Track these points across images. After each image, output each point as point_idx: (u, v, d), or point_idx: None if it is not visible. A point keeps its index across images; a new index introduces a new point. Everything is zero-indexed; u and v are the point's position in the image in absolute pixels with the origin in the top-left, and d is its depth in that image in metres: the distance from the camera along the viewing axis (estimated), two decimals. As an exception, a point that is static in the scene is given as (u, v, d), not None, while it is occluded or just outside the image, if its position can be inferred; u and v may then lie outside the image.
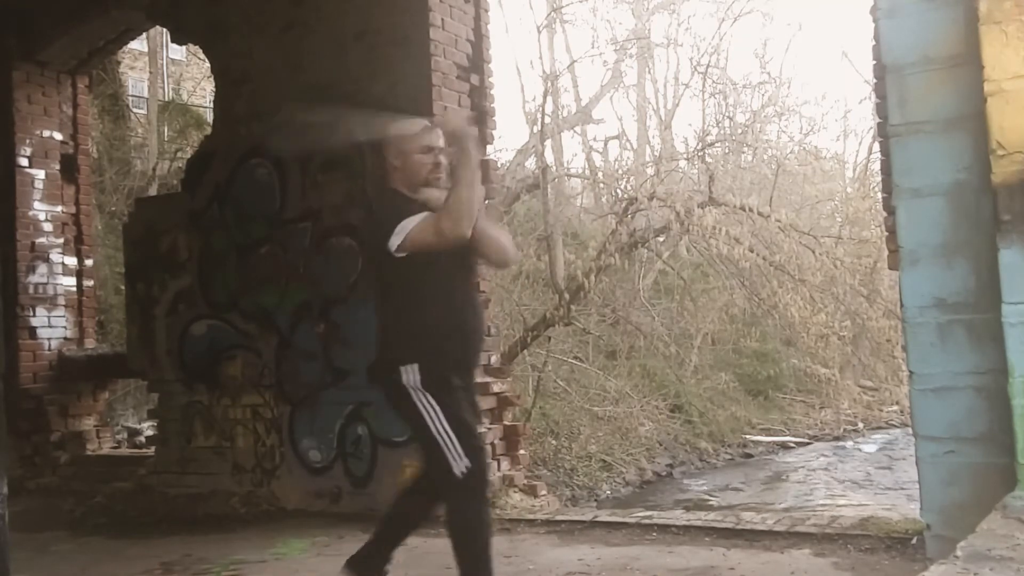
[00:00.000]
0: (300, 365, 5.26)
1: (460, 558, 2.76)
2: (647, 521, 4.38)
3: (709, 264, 11.90)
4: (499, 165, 9.63)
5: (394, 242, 2.70)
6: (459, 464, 2.69)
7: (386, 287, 2.88)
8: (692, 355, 12.52)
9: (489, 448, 4.95)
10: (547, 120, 12.38)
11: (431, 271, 2.76)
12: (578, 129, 15.88)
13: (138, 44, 13.71)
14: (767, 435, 12.08)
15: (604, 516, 4.63)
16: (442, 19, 5.01)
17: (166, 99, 16.68)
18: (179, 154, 12.75)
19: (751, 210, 9.35)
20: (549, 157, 13.60)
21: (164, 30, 7.78)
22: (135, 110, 14.80)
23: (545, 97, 11.81)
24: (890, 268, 3.10)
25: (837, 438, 12.31)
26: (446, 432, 2.71)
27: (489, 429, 4.99)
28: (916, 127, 2.05)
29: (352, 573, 3.02)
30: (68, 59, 6.68)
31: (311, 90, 5.25)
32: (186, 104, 16.21)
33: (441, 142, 2.92)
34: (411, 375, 2.74)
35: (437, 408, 2.73)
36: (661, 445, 10.45)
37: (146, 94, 16.03)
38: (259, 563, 4.05)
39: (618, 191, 12.00)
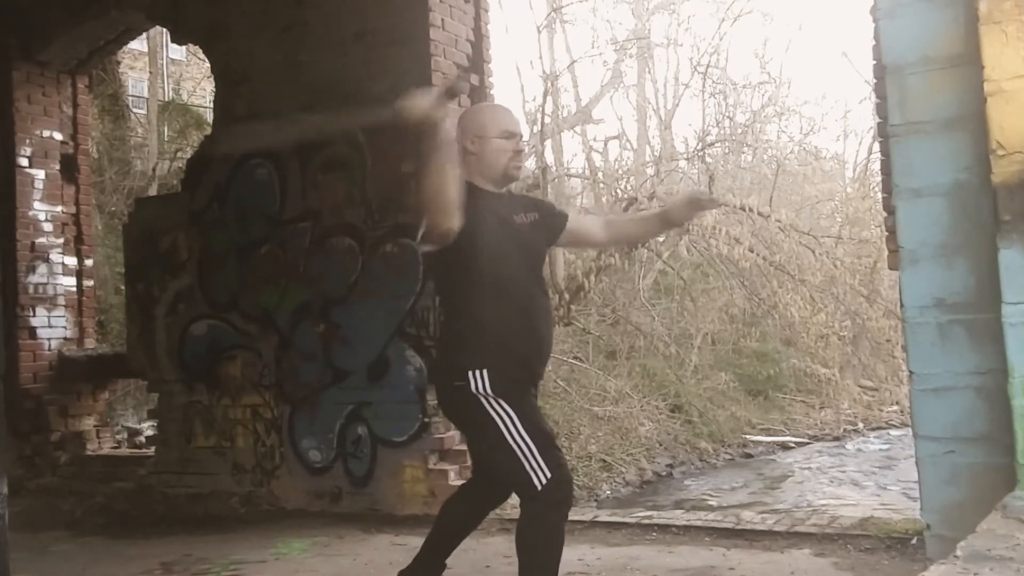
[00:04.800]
0: (300, 365, 5.26)
1: (527, 570, 2.59)
2: (647, 521, 4.39)
3: (709, 264, 11.91)
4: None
5: (419, 234, 2.52)
6: (540, 476, 2.50)
7: (437, 286, 2.77)
8: (692, 355, 12.51)
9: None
10: (547, 120, 12.39)
11: (479, 268, 2.56)
12: (578, 129, 15.88)
13: (138, 44, 13.71)
14: (767, 435, 12.07)
15: (604, 516, 4.63)
16: (442, 19, 5.01)
17: (166, 99, 16.70)
18: (179, 154, 12.76)
19: (751, 210, 9.35)
20: (549, 157, 13.62)
21: (164, 30, 7.78)
22: (135, 110, 14.81)
23: (545, 97, 11.83)
24: (890, 268, 3.09)
25: (837, 438, 12.29)
26: (524, 442, 2.51)
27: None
28: (916, 127, 2.05)
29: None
30: (68, 59, 6.68)
31: (311, 90, 5.25)
32: (186, 104, 16.22)
33: (520, 128, 2.72)
34: (481, 381, 2.53)
35: (514, 416, 2.53)
36: (661, 445, 10.44)
37: (146, 94, 16.04)
38: (259, 563, 4.05)
39: (618, 191, 12.00)
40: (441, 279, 2.72)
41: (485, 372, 2.53)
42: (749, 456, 11.29)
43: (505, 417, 2.53)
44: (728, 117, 14.32)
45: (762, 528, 4.09)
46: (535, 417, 2.60)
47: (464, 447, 4.80)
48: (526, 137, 13.42)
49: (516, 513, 4.65)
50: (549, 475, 2.51)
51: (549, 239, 2.85)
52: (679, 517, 4.54)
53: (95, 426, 6.66)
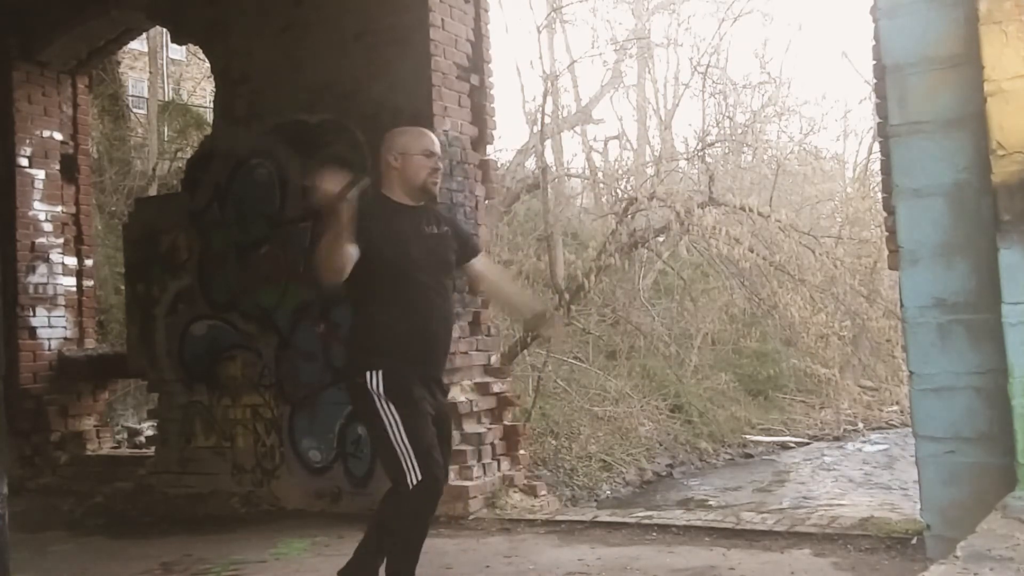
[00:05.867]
0: (300, 365, 5.26)
1: (374, 542, 2.89)
2: (647, 521, 4.39)
3: (709, 264, 11.91)
4: (499, 165, 9.64)
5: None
6: (412, 476, 2.75)
7: (345, 287, 2.95)
8: (692, 355, 12.51)
9: (489, 448, 4.96)
10: (547, 120, 12.37)
11: (382, 273, 2.87)
12: (578, 129, 15.87)
13: (138, 44, 13.70)
14: (767, 435, 12.08)
15: (604, 516, 4.63)
16: (442, 19, 5.01)
17: (166, 99, 16.68)
18: (179, 154, 12.75)
19: (751, 210, 9.34)
20: (549, 157, 13.61)
21: (164, 30, 7.78)
22: (135, 110, 14.80)
23: (545, 97, 11.80)
24: (890, 268, 3.10)
25: (837, 438, 12.30)
26: (404, 443, 2.77)
27: (489, 429, 5.00)
28: (916, 127, 2.05)
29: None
30: (68, 59, 6.68)
31: (311, 90, 5.25)
32: (186, 104, 16.20)
33: (439, 150, 3.06)
34: (375, 380, 2.81)
35: (398, 418, 2.79)
36: (661, 445, 10.44)
37: (146, 94, 16.03)
38: (259, 563, 4.05)
39: (618, 191, 12.00)
40: (349, 281, 2.91)
41: (380, 373, 2.81)
42: (749, 456, 11.29)
43: (391, 417, 2.79)
44: (728, 117, 14.31)
45: (762, 528, 4.09)
46: (418, 422, 2.83)
47: (464, 447, 4.80)
48: (525, 138, 13.42)
49: (515, 513, 4.66)
50: (420, 478, 2.76)
51: (458, 257, 3.12)
52: (679, 517, 4.54)
53: (95, 426, 6.66)
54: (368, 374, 2.82)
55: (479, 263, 3.25)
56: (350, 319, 3.06)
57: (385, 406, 2.80)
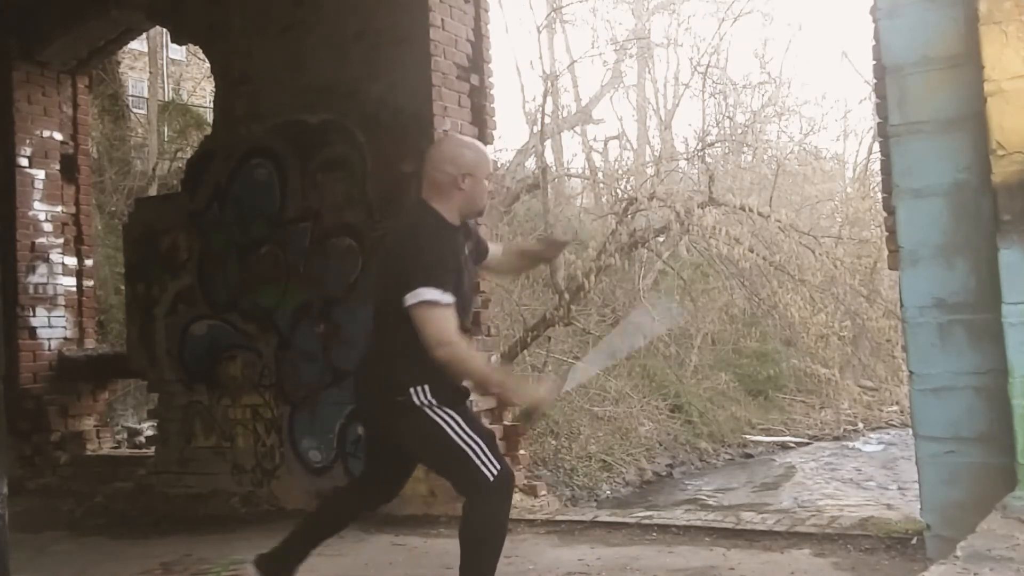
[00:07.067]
0: (300, 365, 5.26)
1: (473, 558, 2.69)
2: (647, 521, 4.38)
3: (709, 264, 11.90)
4: (499, 165, 9.64)
5: (408, 300, 2.59)
6: (491, 468, 2.65)
7: (397, 319, 2.68)
8: (692, 355, 12.52)
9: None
10: (547, 120, 12.38)
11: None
12: (578, 129, 15.89)
13: (138, 44, 13.71)
14: (767, 435, 12.09)
15: (604, 516, 4.63)
16: (442, 19, 5.00)
17: (166, 99, 16.69)
18: (179, 154, 12.76)
19: (751, 210, 9.34)
20: (549, 157, 13.63)
21: (164, 30, 7.78)
22: (135, 110, 14.81)
23: (545, 97, 11.82)
24: (890, 268, 3.09)
25: (837, 438, 12.31)
26: (473, 440, 2.67)
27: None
28: (916, 127, 2.05)
29: (262, 572, 2.98)
30: (68, 59, 6.67)
31: (311, 90, 5.25)
32: (186, 104, 16.21)
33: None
34: (422, 395, 2.68)
35: (459, 419, 2.69)
36: (661, 445, 10.45)
37: (146, 94, 16.04)
38: (259, 563, 4.04)
39: (618, 191, 11.99)
40: (407, 320, 2.66)
41: (426, 387, 2.67)
42: (749, 456, 11.30)
43: (451, 420, 2.68)
44: (728, 117, 14.31)
45: (762, 528, 4.08)
46: (477, 418, 2.81)
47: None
48: (525, 138, 13.41)
49: (515, 513, 4.65)
50: (499, 467, 2.67)
51: (476, 260, 3.03)
52: (679, 517, 4.54)
53: (95, 426, 6.65)
54: (412, 390, 2.67)
55: (492, 254, 3.13)
56: (383, 339, 2.82)
57: (439, 412, 2.68)
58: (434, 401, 2.67)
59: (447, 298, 2.59)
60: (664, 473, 9.98)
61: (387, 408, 2.76)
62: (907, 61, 2.06)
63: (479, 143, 3.03)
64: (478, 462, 2.65)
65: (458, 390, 2.77)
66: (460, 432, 2.67)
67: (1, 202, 6.40)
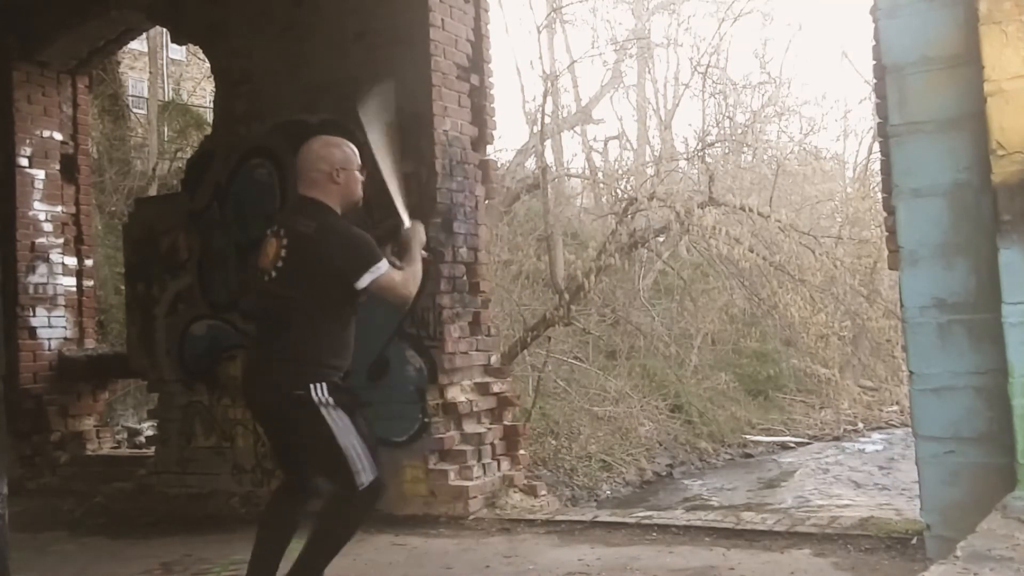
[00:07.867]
0: (300, 365, 5.25)
1: (317, 547, 2.90)
2: (647, 521, 4.38)
3: (709, 264, 11.92)
4: (499, 165, 9.64)
5: (365, 279, 2.87)
6: (365, 475, 2.85)
7: (317, 307, 2.93)
8: (692, 355, 12.53)
9: (489, 448, 4.96)
10: (547, 120, 12.38)
11: (347, 303, 2.98)
12: (578, 129, 15.89)
13: (138, 44, 13.71)
14: (767, 435, 12.09)
15: (604, 516, 4.63)
16: (442, 19, 5.00)
17: (166, 99, 16.69)
18: (179, 154, 12.76)
19: (751, 210, 9.35)
20: (549, 157, 13.63)
21: (164, 30, 7.77)
22: (135, 110, 14.81)
23: (545, 97, 11.81)
24: (890, 268, 3.10)
25: (837, 438, 12.32)
26: (353, 445, 2.86)
27: (489, 429, 4.99)
28: (916, 127, 2.05)
29: None
30: (68, 59, 6.67)
31: (311, 90, 5.25)
32: (186, 104, 16.21)
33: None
34: (321, 392, 2.86)
35: (348, 422, 2.88)
36: (661, 445, 10.46)
37: (146, 94, 16.04)
38: (259, 563, 4.04)
39: (618, 191, 12.00)
40: (328, 306, 2.96)
41: (323, 385, 2.88)
42: (749, 456, 11.30)
43: (339, 422, 2.87)
44: (728, 117, 14.33)
45: (762, 528, 4.08)
46: (363, 425, 2.95)
47: (464, 447, 4.80)
48: (525, 138, 13.41)
49: (515, 513, 4.66)
50: (372, 476, 2.88)
51: None
52: (679, 517, 4.54)
53: (95, 426, 6.65)
54: (312, 386, 2.86)
55: None
56: (288, 336, 2.96)
57: (332, 412, 2.86)
58: (330, 401, 2.87)
59: (386, 264, 2.93)
60: (664, 473, 9.99)
61: (285, 400, 2.91)
62: (907, 61, 2.06)
63: (345, 140, 3.15)
64: (356, 467, 2.85)
65: (352, 397, 2.98)
66: (345, 435, 2.86)
67: (1, 202, 6.40)
